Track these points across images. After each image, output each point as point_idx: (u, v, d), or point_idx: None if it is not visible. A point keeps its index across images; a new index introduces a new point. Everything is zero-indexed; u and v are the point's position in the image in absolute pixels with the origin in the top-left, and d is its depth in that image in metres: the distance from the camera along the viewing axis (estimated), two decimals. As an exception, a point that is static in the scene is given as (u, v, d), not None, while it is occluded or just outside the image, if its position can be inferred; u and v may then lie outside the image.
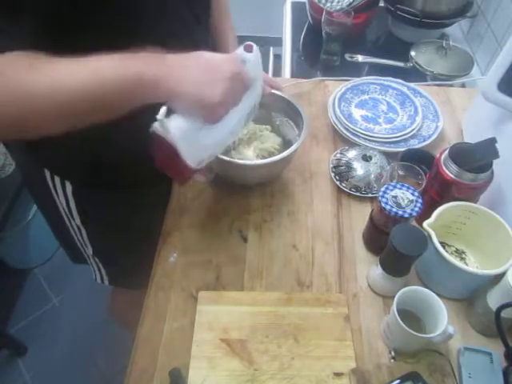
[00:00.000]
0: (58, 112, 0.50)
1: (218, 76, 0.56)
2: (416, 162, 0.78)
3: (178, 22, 0.68)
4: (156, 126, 0.56)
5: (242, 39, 0.79)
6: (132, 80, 0.52)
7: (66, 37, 0.54)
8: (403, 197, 0.69)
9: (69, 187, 0.79)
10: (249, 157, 0.84)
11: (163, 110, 0.55)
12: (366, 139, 0.94)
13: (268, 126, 0.88)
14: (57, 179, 0.78)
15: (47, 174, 0.78)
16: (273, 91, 0.85)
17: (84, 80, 0.50)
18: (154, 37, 0.55)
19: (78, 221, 0.84)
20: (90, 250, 0.91)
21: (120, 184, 0.79)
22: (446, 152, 0.74)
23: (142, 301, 0.72)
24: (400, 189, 0.70)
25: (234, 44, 0.89)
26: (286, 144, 0.86)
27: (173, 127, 0.56)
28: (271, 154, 0.83)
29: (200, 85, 0.55)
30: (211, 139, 0.63)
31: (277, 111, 0.88)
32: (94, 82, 0.50)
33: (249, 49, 0.62)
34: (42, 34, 0.53)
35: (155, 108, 0.59)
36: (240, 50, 0.62)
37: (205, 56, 0.58)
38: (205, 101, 0.56)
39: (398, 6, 1.30)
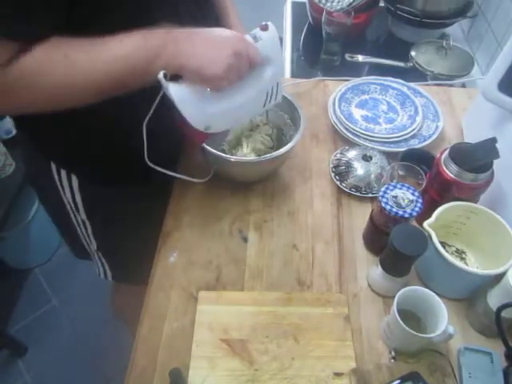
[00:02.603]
0: (94, 88, 0.59)
1: (221, 52, 0.60)
2: (416, 162, 0.78)
3: (183, 12, 0.70)
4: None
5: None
6: (152, 59, 0.58)
7: (83, 24, 0.58)
8: (403, 197, 0.69)
9: (75, 181, 0.79)
10: (244, 153, 0.85)
11: (163, 71, 0.60)
12: (366, 139, 0.93)
13: (263, 118, 0.90)
14: (63, 173, 0.78)
15: (53, 167, 0.78)
16: None
17: (113, 66, 0.58)
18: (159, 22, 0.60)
19: (83, 215, 0.84)
20: (94, 245, 0.92)
21: (125, 179, 0.80)
22: (446, 152, 0.74)
23: (144, 297, 0.72)
24: (400, 189, 0.70)
25: (236, 19, 0.90)
26: (279, 133, 0.89)
27: (174, 89, 0.62)
28: (262, 145, 0.85)
29: (203, 60, 0.60)
30: (218, 108, 0.67)
31: (276, 108, 0.88)
32: (122, 67, 0.58)
33: (264, 28, 0.65)
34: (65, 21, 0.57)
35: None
36: (255, 29, 0.66)
37: (213, 32, 0.63)
38: (206, 74, 0.61)
39: (398, 5, 1.30)
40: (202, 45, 0.61)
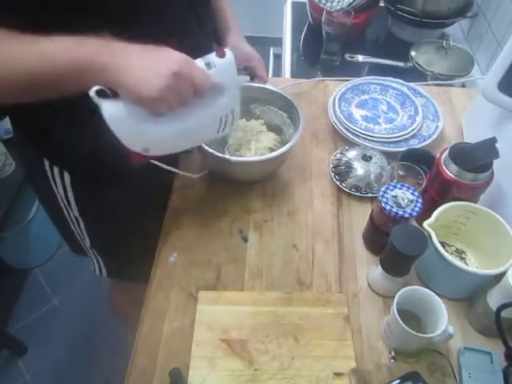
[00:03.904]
0: (16, 85, 0.56)
1: (158, 71, 0.56)
2: (416, 162, 0.78)
3: (178, 19, 0.69)
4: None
5: (241, 39, 0.80)
6: (83, 66, 0.54)
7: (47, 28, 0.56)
8: (403, 197, 0.69)
9: (67, 178, 0.79)
10: (248, 156, 0.85)
11: (96, 87, 0.56)
12: (366, 139, 0.94)
13: (264, 127, 0.90)
14: (56, 170, 0.78)
15: (47, 164, 0.78)
16: (271, 88, 0.87)
17: (40, 61, 0.54)
18: (154, 29, 0.57)
19: (76, 212, 0.85)
20: (87, 242, 0.92)
21: (117, 176, 0.80)
22: (446, 152, 0.74)
23: (141, 295, 0.72)
24: (400, 189, 0.70)
25: (234, 22, 0.89)
26: (283, 140, 0.88)
27: (107, 108, 0.58)
28: (271, 151, 0.84)
29: (139, 79, 0.56)
30: (158, 132, 0.63)
31: (275, 107, 0.89)
32: (50, 64, 0.54)
33: (220, 54, 0.62)
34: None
35: None
36: (211, 54, 0.63)
37: (154, 49, 0.58)
38: (142, 95, 0.56)
39: (398, 5, 1.30)
40: (142, 61, 0.56)
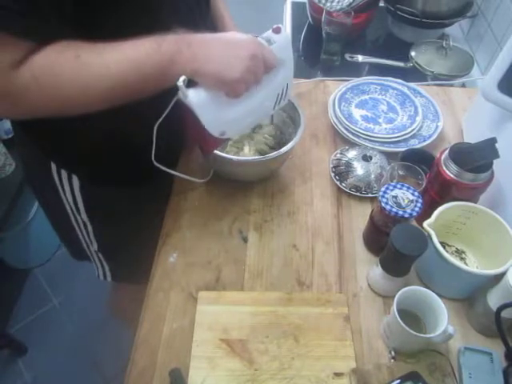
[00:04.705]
0: (106, 91, 0.58)
1: (238, 55, 0.60)
2: (416, 162, 0.78)
3: (188, 15, 0.71)
4: (179, 92, 0.61)
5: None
6: (166, 64, 0.57)
7: (86, 23, 0.57)
8: (403, 197, 0.69)
9: (76, 182, 0.79)
10: (245, 153, 0.85)
11: (183, 77, 0.59)
12: (366, 139, 0.94)
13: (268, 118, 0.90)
14: (64, 174, 0.78)
15: (53, 168, 0.78)
16: None
17: (126, 69, 0.57)
18: (162, 23, 0.59)
19: (84, 216, 0.84)
20: (94, 246, 0.92)
21: (125, 179, 0.80)
22: (446, 152, 0.74)
23: (142, 296, 0.72)
24: (400, 189, 0.70)
25: (230, 20, 0.90)
26: (280, 133, 0.88)
27: (193, 95, 0.61)
28: (265, 146, 0.85)
29: (221, 64, 0.59)
30: (234, 113, 0.67)
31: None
32: (136, 70, 0.57)
33: (277, 30, 0.65)
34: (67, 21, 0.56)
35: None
36: (268, 31, 0.66)
37: (226, 36, 0.63)
38: (225, 78, 0.60)
39: (398, 5, 1.30)
40: (219, 48, 0.60)
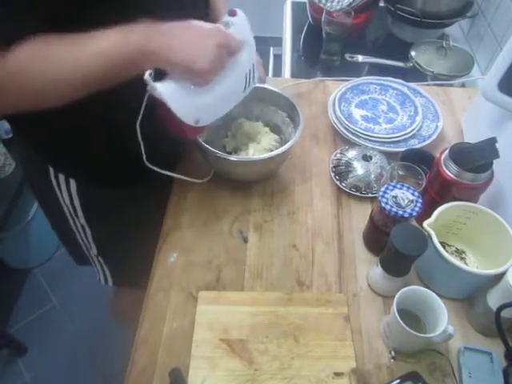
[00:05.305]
0: (78, 84, 0.58)
1: (206, 44, 0.60)
2: (416, 162, 0.78)
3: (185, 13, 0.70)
4: (148, 86, 0.61)
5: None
6: (133, 54, 0.57)
7: (64, 15, 0.57)
8: (403, 197, 0.69)
9: (73, 185, 0.79)
10: (249, 155, 0.85)
11: (149, 71, 0.60)
12: (366, 139, 0.93)
13: (267, 128, 0.90)
14: (61, 177, 0.78)
15: (51, 171, 0.78)
16: (271, 88, 0.87)
17: (95, 61, 0.56)
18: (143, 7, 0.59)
19: (82, 220, 0.84)
20: (94, 250, 0.91)
21: (123, 182, 0.80)
22: (446, 152, 0.74)
23: (143, 298, 0.72)
24: (400, 189, 0.70)
25: (223, 4, 0.90)
26: (282, 139, 0.88)
27: (161, 87, 0.61)
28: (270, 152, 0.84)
29: (190, 54, 0.60)
30: (205, 100, 0.67)
31: (275, 107, 0.89)
32: (103, 63, 0.57)
33: (232, 13, 0.67)
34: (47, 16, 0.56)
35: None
36: (224, 16, 0.67)
37: (194, 25, 0.62)
38: (194, 68, 0.60)
39: (398, 5, 1.30)
40: (187, 38, 0.60)
